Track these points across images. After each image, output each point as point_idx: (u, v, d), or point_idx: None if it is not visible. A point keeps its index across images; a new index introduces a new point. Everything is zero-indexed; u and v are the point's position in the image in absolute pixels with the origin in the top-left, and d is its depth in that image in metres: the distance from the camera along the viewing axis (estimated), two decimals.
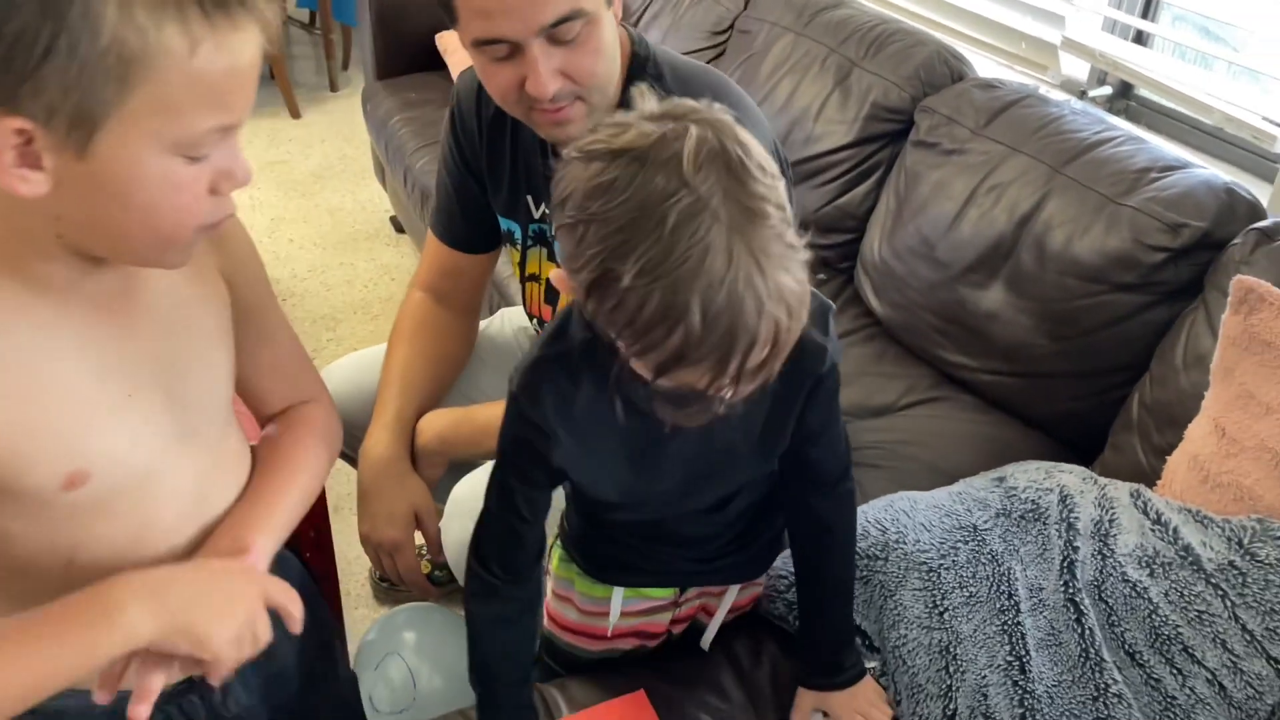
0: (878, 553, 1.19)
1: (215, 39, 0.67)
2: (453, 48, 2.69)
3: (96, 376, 0.79)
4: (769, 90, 2.03)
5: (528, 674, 1.06)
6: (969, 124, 1.71)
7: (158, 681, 0.78)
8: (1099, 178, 1.53)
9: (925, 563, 1.17)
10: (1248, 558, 1.10)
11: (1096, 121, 1.64)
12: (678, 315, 0.68)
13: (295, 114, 3.70)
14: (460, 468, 1.36)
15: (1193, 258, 1.42)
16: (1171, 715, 1.05)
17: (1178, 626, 1.08)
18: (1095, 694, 1.06)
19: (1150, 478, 1.32)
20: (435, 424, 1.34)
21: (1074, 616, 1.12)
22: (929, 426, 1.61)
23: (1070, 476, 1.29)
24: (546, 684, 1.17)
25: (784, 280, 0.70)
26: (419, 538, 1.36)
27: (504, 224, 1.36)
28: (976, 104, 1.73)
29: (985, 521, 1.21)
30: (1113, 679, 1.06)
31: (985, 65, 2.02)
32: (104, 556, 0.81)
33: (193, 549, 0.88)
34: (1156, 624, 1.09)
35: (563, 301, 1.30)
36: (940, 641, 1.12)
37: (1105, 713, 1.04)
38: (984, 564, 1.16)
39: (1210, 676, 1.05)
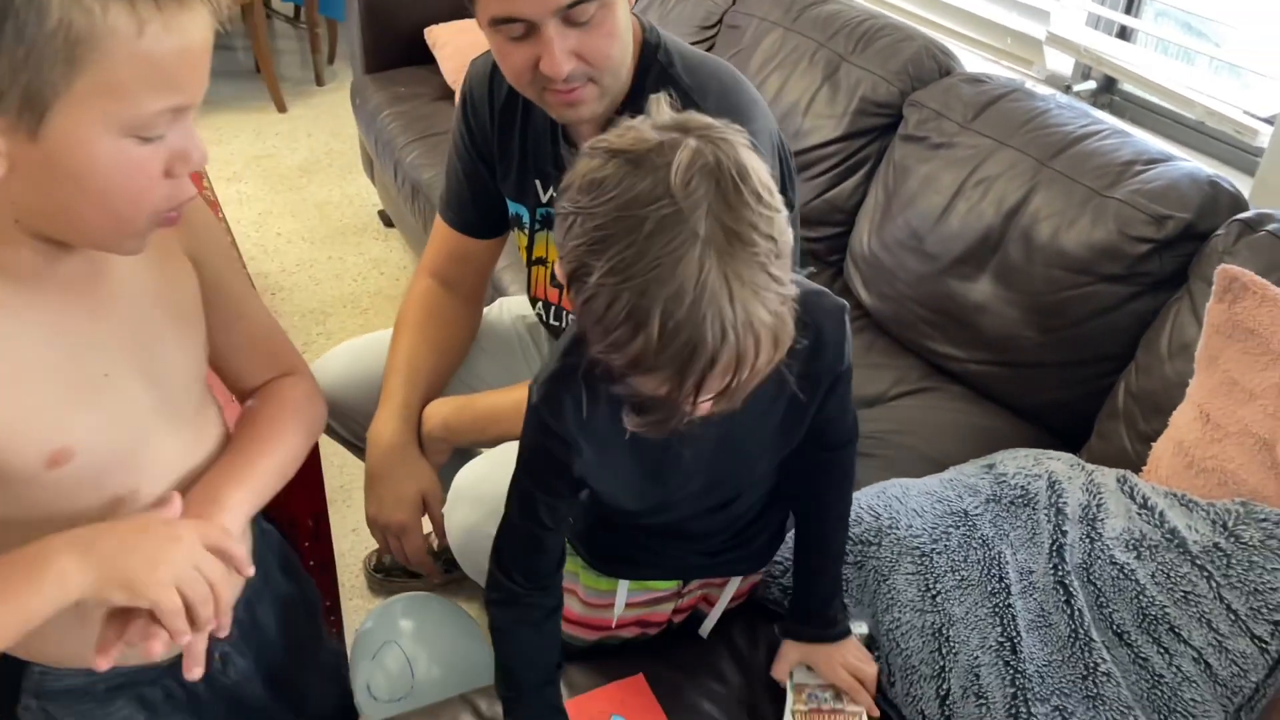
0: (871, 538, 1.21)
1: (163, 20, 0.67)
2: (442, 41, 2.70)
3: (73, 358, 0.80)
4: (758, 85, 2.04)
5: (554, 675, 1.06)
6: (957, 118, 1.74)
7: (154, 646, 0.78)
8: (1085, 171, 1.55)
9: (918, 548, 1.19)
10: (1232, 540, 1.13)
11: (1082, 115, 1.67)
12: (640, 320, 0.69)
13: (281, 108, 3.69)
14: (462, 455, 1.37)
15: (1177, 249, 1.45)
16: (1159, 693, 1.07)
17: (1164, 607, 1.11)
18: (1085, 673, 1.08)
19: (1136, 464, 1.35)
20: (440, 412, 1.36)
21: (1063, 598, 1.14)
22: (919, 416, 1.63)
23: (1058, 463, 1.32)
24: None
25: (755, 310, 0.70)
26: (426, 524, 1.37)
27: (512, 207, 1.37)
28: (964, 98, 1.75)
29: (976, 507, 1.24)
30: (1101, 658, 1.09)
31: (971, 60, 2.05)
32: None
33: None
34: (1144, 605, 1.12)
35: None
36: (933, 624, 1.14)
37: (1095, 691, 1.07)
38: (975, 548, 1.19)
39: (1196, 655, 1.08)
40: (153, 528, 0.80)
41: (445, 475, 1.36)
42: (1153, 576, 1.13)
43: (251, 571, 0.86)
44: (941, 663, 1.12)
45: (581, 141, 1.22)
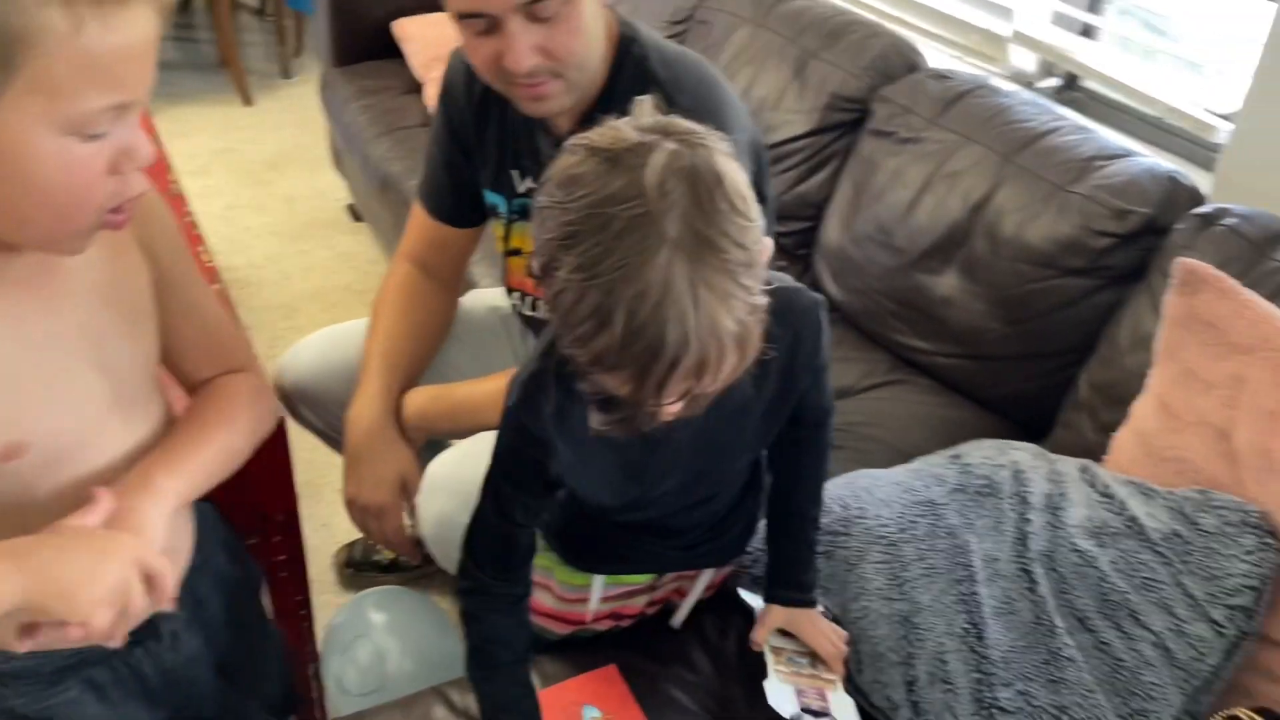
0: (840, 528, 1.23)
1: (100, 17, 0.67)
2: (410, 35, 2.69)
3: (27, 354, 0.80)
4: (729, 80, 2.05)
5: (524, 656, 1.07)
6: (924, 114, 1.76)
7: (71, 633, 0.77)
8: (1048, 166, 1.58)
9: (885, 537, 1.21)
10: (1191, 527, 1.15)
11: (1045, 111, 1.70)
12: (604, 318, 0.70)
13: (247, 101, 3.65)
14: (434, 445, 1.37)
15: (1138, 243, 1.48)
16: (1120, 677, 1.10)
17: (1125, 593, 1.13)
18: (1048, 658, 1.11)
19: (1098, 454, 1.37)
20: (415, 401, 1.36)
21: (1027, 585, 1.16)
22: (887, 408, 1.65)
23: (1022, 453, 1.34)
24: None
25: (720, 317, 0.71)
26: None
27: (489, 198, 1.37)
28: (931, 94, 1.78)
29: (942, 497, 1.26)
30: (1064, 644, 1.11)
31: (938, 57, 2.07)
32: (45, 524, 0.82)
33: None
34: (1105, 591, 1.14)
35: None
36: (901, 611, 1.16)
37: (1058, 675, 1.09)
38: (941, 537, 1.21)
39: (1156, 640, 1.10)
40: (90, 543, 0.79)
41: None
42: (1114, 563, 1.16)
43: (168, 605, 0.84)
44: (909, 649, 1.14)
45: (559, 133, 1.22)
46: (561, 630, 1.22)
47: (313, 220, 3.01)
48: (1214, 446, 1.21)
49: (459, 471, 1.26)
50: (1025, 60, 2.10)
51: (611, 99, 1.17)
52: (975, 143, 1.67)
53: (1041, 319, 1.55)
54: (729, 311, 0.71)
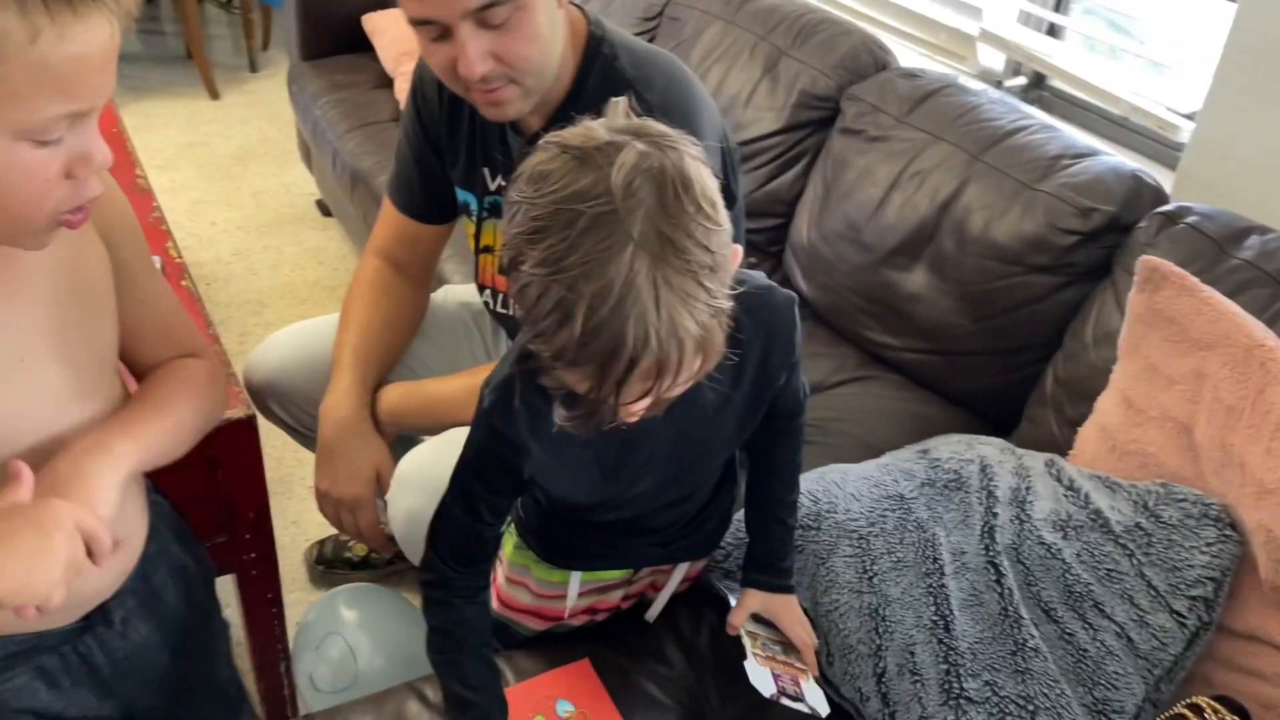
0: (810, 522, 1.24)
1: (57, 28, 0.67)
2: (380, 29, 2.67)
3: None
4: (699, 77, 2.05)
5: (488, 639, 1.07)
6: (893, 112, 1.77)
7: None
8: (1015, 164, 1.60)
9: (855, 530, 1.22)
10: (1153, 519, 1.17)
11: (1012, 110, 1.72)
12: (565, 314, 0.70)
13: (214, 95, 3.62)
14: (404, 440, 1.37)
15: (1102, 240, 1.50)
16: (1084, 667, 1.12)
17: (1089, 584, 1.15)
18: (1014, 649, 1.12)
19: (1063, 448, 1.39)
20: (388, 397, 1.36)
21: (994, 578, 1.18)
22: (857, 404, 1.67)
23: (989, 448, 1.36)
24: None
25: (682, 319, 0.71)
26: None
27: (460, 195, 1.37)
28: (900, 93, 1.79)
29: (911, 491, 1.27)
30: (1030, 634, 1.13)
31: (907, 55, 2.09)
32: None
33: None
34: (1069, 582, 1.16)
35: None
36: (870, 604, 1.17)
37: (1024, 666, 1.11)
38: (910, 531, 1.22)
39: (1119, 630, 1.13)
40: (26, 524, 0.78)
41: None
42: (1078, 555, 1.18)
43: (105, 561, 0.83)
44: (878, 641, 1.15)
45: (529, 132, 1.22)
46: (538, 626, 1.22)
47: (281, 215, 2.99)
48: (1176, 440, 1.24)
49: (430, 468, 1.25)
50: (993, 59, 2.12)
51: (580, 98, 1.18)
52: (943, 141, 1.69)
53: (1008, 315, 1.57)
54: (691, 313, 0.71)
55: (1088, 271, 1.52)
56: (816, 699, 1.10)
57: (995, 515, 1.23)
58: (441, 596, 1.03)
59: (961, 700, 1.09)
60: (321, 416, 1.34)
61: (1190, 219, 1.41)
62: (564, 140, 0.74)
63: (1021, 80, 2.08)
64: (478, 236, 1.39)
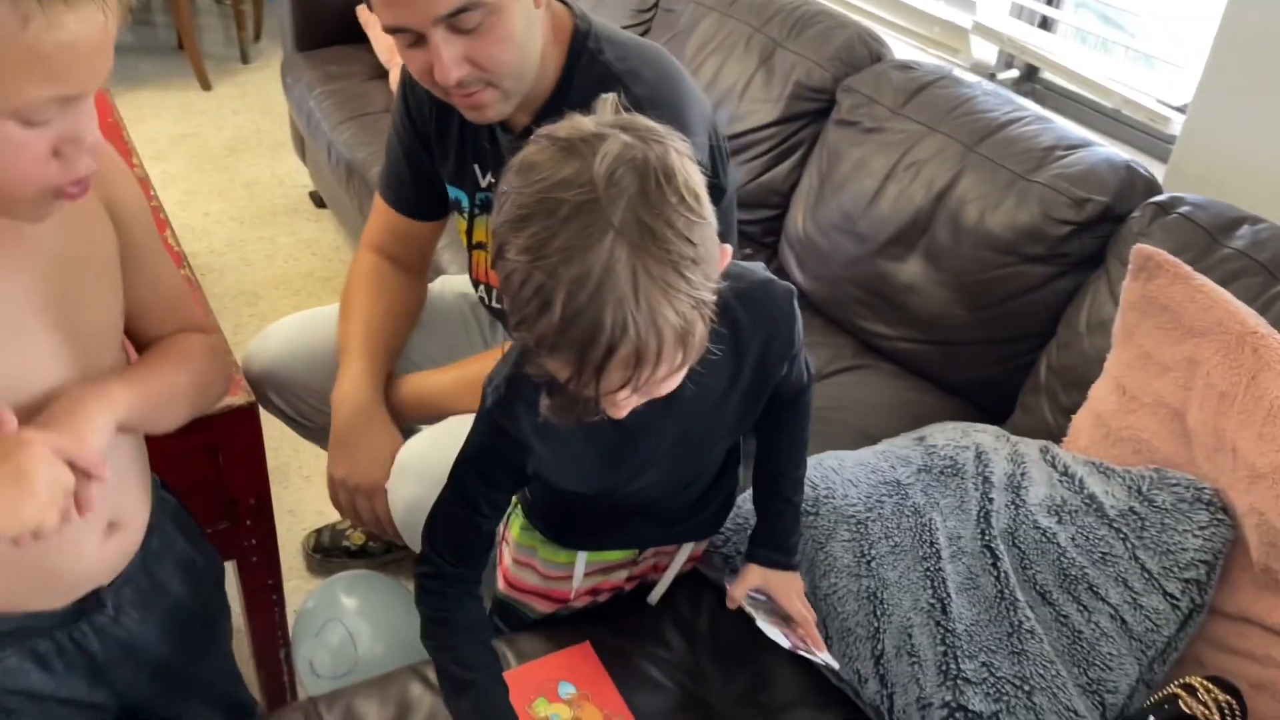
0: (809, 508, 1.25)
1: (47, 16, 0.68)
2: (374, 20, 2.66)
3: None
4: (694, 69, 2.07)
5: (486, 623, 1.08)
6: (888, 103, 1.79)
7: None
8: (1009, 155, 1.61)
9: (853, 516, 1.24)
10: (1146, 504, 1.19)
11: (1006, 102, 1.73)
12: (546, 300, 0.71)
13: (206, 86, 3.61)
14: (404, 431, 1.38)
15: (1096, 230, 1.52)
16: (1079, 648, 1.13)
17: (1083, 568, 1.17)
18: (1010, 630, 1.14)
19: (1057, 435, 1.41)
20: (399, 390, 1.36)
21: (990, 561, 1.20)
22: (853, 393, 1.68)
23: (985, 435, 1.38)
24: (495, 639, 1.20)
25: (662, 309, 0.71)
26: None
27: (452, 192, 1.38)
28: (895, 84, 1.80)
29: (908, 477, 1.29)
30: (1026, 617, 1.15)
31: (901, 48, 2.10)
32: None
33: None
34: (1064, 566, 1.18)
35: None
36: (868, 588, 1.19)
37: (1020, 647, 1.13)
38: (907, 516, 1.24)
39: (1113, 612, 1.14)
40: (4, 465, 0.79)
41: None
42: (1073, 539, 1.19)
43: (105, 474, 0.84)
44: (876, 624, 1.16)
45: (517, 128, 1.23)
46: (545, 608, 1.23)
47: (274, 206, 2.99)
48: (1169, 426, 1.25)
49: (431, 457, 1.26)
50: (986, 52, 2.14)
51: (567, 93, 1.18)
52: (938, 132, 1.70)
53: (1002, 305, 1.59)
54: (670, 303, 0.72)
55: (1081, 261, 1.53)
56: (828, 656, 1.12)
57: (991, 500, 1.25)
58: (436, 587, 1.04)
59: (959, 681, 1.10)
60: (335, 404, 1.34)
61: (1183, 209, 1.42)
62: (553, 133, 0.75)
63: (1014, 73, 2.10)
64: (470, 233, 1.40)
